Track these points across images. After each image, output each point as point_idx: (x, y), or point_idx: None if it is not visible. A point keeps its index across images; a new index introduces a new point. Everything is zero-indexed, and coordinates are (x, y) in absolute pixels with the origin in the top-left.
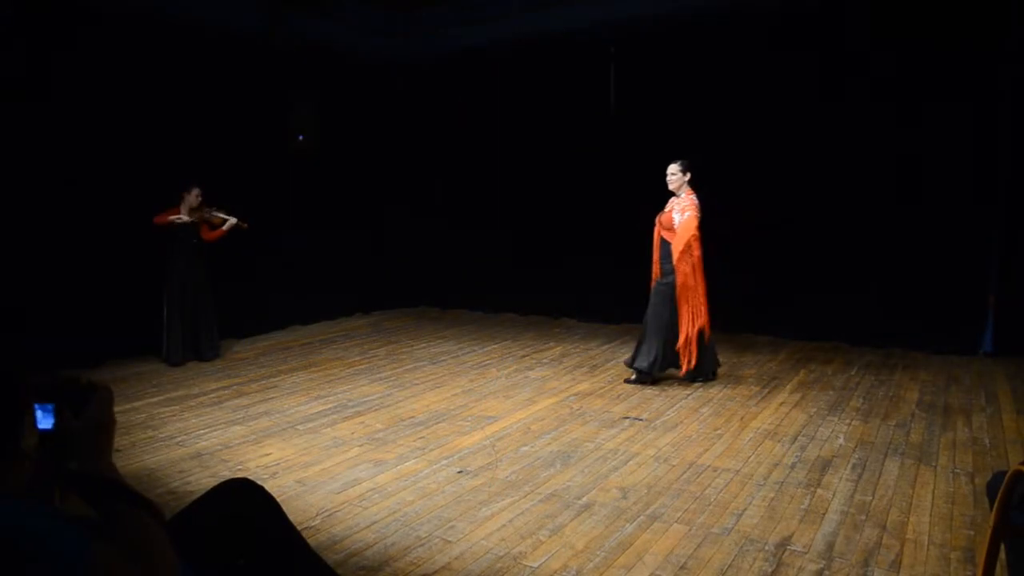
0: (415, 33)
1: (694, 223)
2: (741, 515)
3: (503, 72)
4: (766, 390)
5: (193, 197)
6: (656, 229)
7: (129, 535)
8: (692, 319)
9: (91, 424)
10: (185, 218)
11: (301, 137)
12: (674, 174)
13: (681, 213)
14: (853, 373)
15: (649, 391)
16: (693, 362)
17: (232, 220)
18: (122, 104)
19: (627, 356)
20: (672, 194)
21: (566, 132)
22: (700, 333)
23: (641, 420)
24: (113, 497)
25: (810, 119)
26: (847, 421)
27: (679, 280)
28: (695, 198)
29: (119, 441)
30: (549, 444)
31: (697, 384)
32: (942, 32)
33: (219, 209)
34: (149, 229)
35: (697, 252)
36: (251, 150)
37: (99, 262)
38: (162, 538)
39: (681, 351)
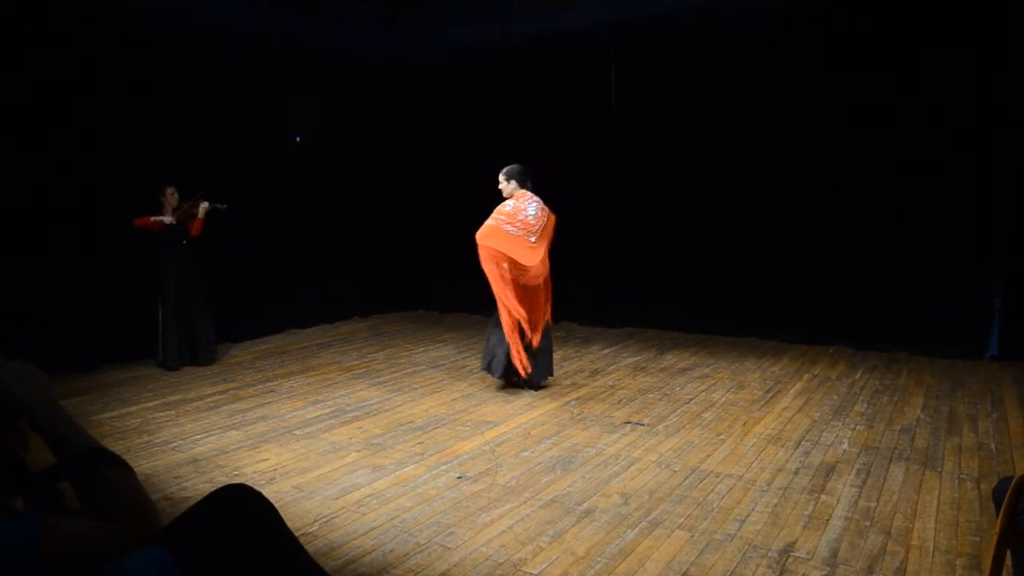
0: (415, 33)
1: (481, 231)
2: (744, 521)
3: (503, 72)
4: (769, 394)
5: (170, 196)
6: None
7: (102, 502)
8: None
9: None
10: (172, 220)
11: (299, 138)
12: (500, 185)
13: None
14: (857, 377)
15: (651, 395)
16: (528, 367)
17: (204, 204)
18: (119, 104)
19: (632, 360)
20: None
21: (566, 132)
22: (524, 339)
23: (643, 425)
24: (77, 470)
25: (811, 120)
26: (851, 426)
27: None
28: (509, 205)
29: (115, 446)
30: (549, 449)
31: (699, 388)
32: (943, 32)
33: (195, 198)
34: (130, 231)
35: (486, 257)
36: (249, 151)
37: (94, 265)
38: (131, 489)
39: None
